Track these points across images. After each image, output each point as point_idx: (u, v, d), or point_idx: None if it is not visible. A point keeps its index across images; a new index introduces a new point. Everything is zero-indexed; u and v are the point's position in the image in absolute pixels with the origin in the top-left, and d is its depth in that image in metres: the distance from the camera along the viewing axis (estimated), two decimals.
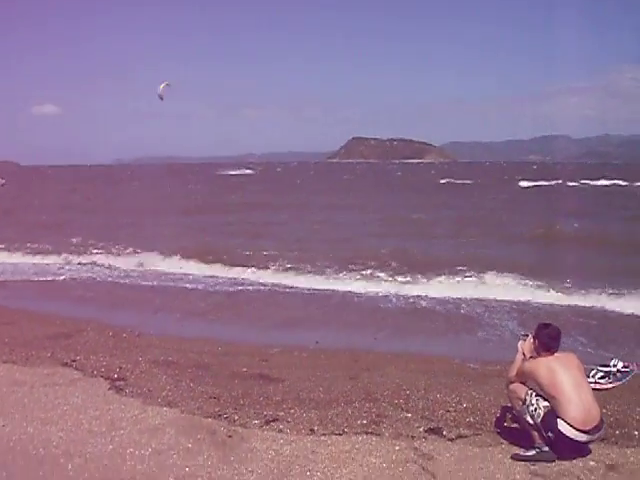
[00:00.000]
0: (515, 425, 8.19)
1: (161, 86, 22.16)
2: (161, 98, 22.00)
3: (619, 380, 10.84)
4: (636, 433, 8.30)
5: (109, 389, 9.99)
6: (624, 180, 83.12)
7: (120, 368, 11.14)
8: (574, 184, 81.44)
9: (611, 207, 47.05)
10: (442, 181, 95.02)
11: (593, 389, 8.40)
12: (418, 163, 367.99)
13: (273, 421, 8.70)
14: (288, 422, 8.68)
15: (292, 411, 9.14)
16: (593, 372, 10.80)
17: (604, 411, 8.18)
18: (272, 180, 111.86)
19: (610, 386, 10.61)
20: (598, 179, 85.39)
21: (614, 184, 79.59)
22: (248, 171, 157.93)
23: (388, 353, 13.34)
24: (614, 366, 11.16)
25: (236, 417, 8.81)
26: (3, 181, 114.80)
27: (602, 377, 10.80)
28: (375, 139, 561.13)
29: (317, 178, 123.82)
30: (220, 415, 8.86)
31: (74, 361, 11.56)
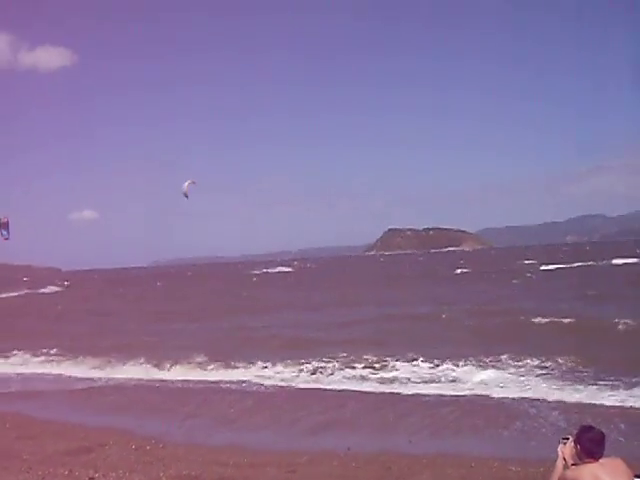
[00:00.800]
0: None
1: (186, 184, 21.88)
2: (186, 196, 21.71)
3: None
4: None
5: None
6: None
7: None
8: (592, 263, 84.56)
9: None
10: (458, 271, 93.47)
11: None
12: (454, 251, 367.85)
13: None
14: None
15: None
16: None
17: None
18: (303, 277, 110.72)
19: None
20: (619, 257, 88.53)
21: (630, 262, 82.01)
22: (285, 269, 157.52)
23: (423, 457, 12.57)
24: None
25: None
26: (68, 283, 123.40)
27: None
28: (411, 229, 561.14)
29: (348, 271, 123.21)
30: None
31: (92, 479, 11.00)
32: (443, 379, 20.42)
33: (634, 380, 17.97)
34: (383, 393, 19.14)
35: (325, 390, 20.16)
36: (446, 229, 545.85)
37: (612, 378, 18.46)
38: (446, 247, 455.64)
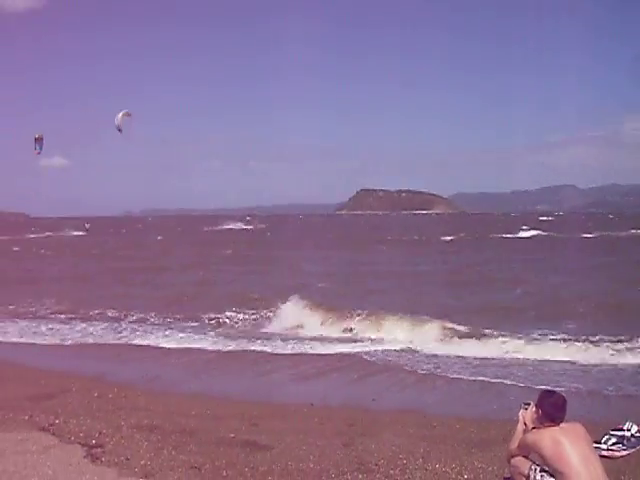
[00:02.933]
0: None
1: (119, 115, 19.91)
2: (119, 130, 19.84)
3: (634, 446, 10.06)
4: None
5: (84, 457, 9.31)
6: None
7: (100, 433, 10.47)
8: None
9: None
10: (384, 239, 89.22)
11: (606, 457, 7.78)
12: (425, 214, 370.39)
13: None
14: None
15: None
16: (605, 438, 10.04)
17: None
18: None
19: (625, 453, 9.83)
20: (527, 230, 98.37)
21: (538, 234, 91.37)
22: (244, 225, 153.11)
23: (386, 416, 12.63)
24: (628, 430, 10.42)
25: None
26: (88, 225, 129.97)
27: (615, 443, 10.02)
28: (383, 190, 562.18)
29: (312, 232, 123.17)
30: None
31: (52, 425, 10.89)
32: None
33: None
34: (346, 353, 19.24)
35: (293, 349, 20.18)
36: (419, 192, 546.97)
37: None
38: (417, 210, 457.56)
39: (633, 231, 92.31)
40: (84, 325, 24.30)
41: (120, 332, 22.91)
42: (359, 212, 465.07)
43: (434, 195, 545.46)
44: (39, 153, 19.58)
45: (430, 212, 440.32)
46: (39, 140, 19.60)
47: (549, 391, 7.23)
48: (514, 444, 7.23)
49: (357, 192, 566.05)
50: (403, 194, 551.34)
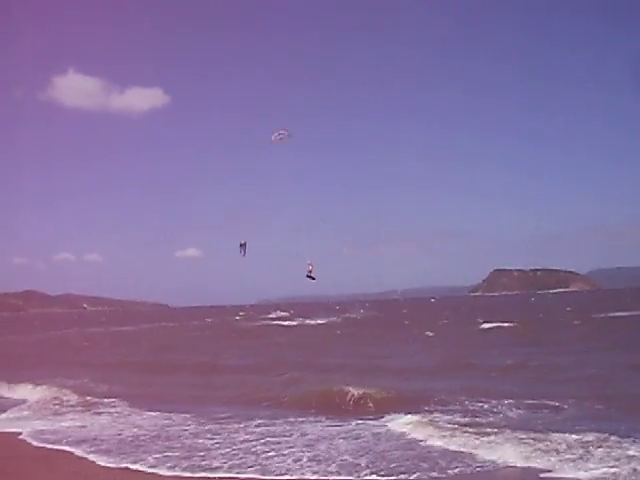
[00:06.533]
0: None
1: (240, 243, 23.20)
2: (243, 253, 23.47)
3: None
4: None
5: None
6: None
7: None
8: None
9: None
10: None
11: None
12: (559, 293, 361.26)
13: None
14: None
15: None
16: None
17: None
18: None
19: None
20: None
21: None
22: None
23: None
24: None
25: None
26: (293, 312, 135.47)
27: None
28: (518, 270, 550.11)
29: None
30: None
31: None
32: None
33: None
34: None
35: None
36: (555, 270, 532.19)
37: None
38: (553, 288, 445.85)
39: None
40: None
41: None
42: (494, 293, 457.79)
43: (571, 272, 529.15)
44: (244, 255, 23.27)
45: (567, 290, 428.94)
46: (243, 245, 23.24)
47: None
48: None
49: (491, 272, 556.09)
50: (538, 273, 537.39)
